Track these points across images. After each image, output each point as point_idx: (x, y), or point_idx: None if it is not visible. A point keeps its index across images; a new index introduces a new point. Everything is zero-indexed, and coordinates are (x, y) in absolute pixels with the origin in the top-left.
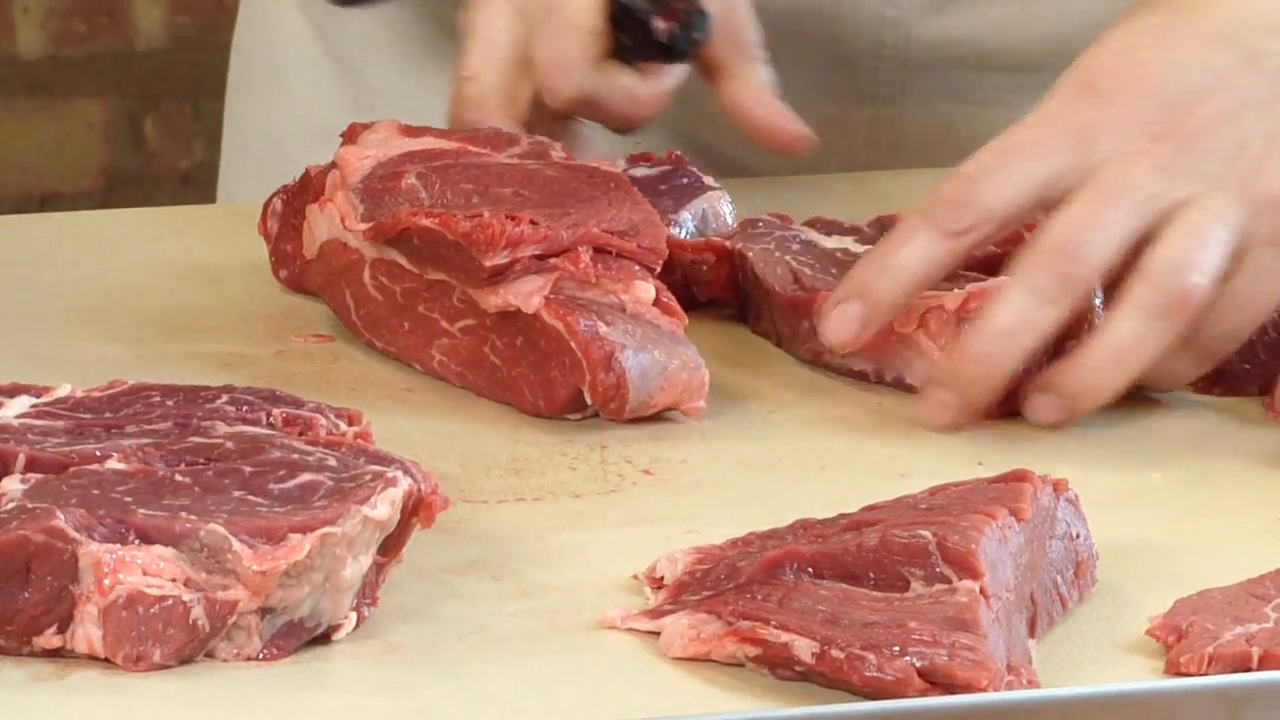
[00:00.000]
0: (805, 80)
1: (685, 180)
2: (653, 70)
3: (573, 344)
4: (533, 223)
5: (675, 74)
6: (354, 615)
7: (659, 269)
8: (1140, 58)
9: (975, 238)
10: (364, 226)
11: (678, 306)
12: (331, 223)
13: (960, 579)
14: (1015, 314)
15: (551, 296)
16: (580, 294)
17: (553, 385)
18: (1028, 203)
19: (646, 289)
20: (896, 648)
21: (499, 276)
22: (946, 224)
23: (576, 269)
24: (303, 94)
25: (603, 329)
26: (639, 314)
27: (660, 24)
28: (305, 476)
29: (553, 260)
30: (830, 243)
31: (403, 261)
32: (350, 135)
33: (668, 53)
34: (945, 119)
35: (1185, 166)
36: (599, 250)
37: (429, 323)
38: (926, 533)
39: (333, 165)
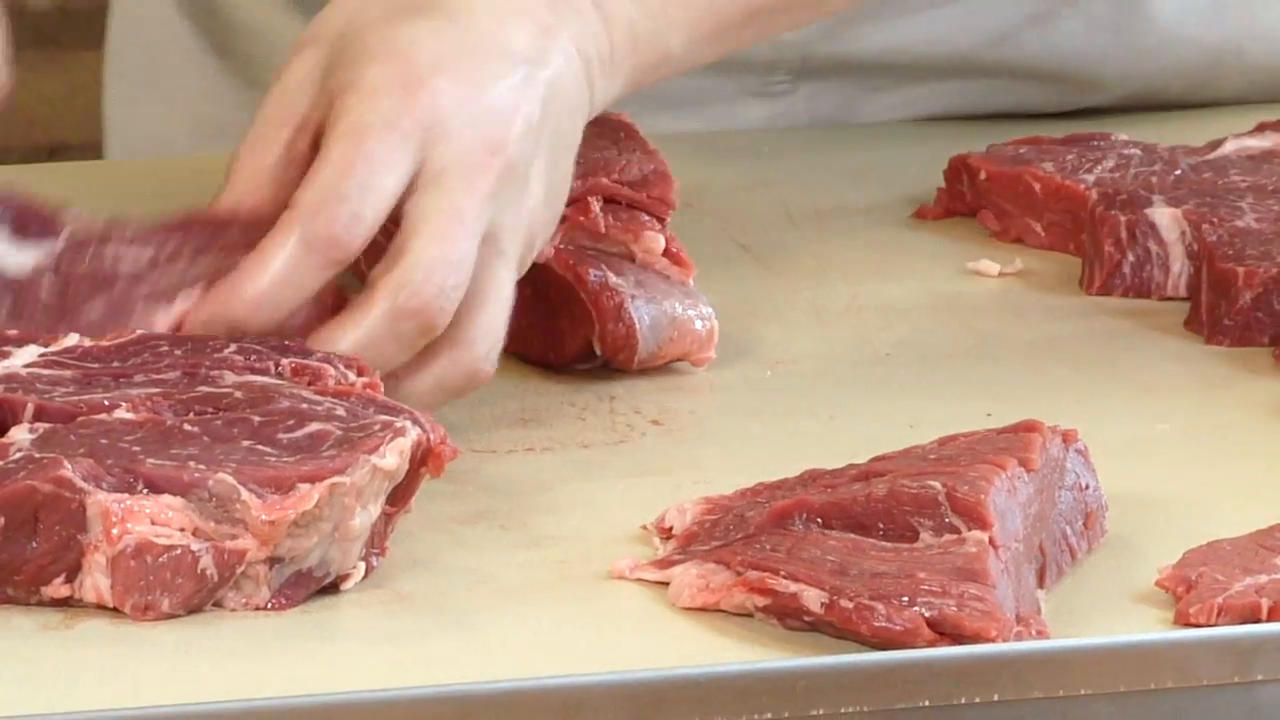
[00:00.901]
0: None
1: None
2: None
3: (582, 294)
4: None
5: None
6: (362, 565)
7: (669, 219)
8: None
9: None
10: None
11: (686, 257)
12: None
13: (969, 529)
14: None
15: (561, 247)
16: (590, 245)
17: (562, 336)
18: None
19: (656, 239)
20: (905, 598)
21: None
22: (330, 254)
23: (587, 219)
24: (190, 93)
25: (612, 279)
26: (649, 264)
27: None
28: (314, 426)
29: (563, 211)
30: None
31: None
32: None
33: None
34: (840, 101)
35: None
36: (609, 201)
37: None
38: (936, 483)
39: None
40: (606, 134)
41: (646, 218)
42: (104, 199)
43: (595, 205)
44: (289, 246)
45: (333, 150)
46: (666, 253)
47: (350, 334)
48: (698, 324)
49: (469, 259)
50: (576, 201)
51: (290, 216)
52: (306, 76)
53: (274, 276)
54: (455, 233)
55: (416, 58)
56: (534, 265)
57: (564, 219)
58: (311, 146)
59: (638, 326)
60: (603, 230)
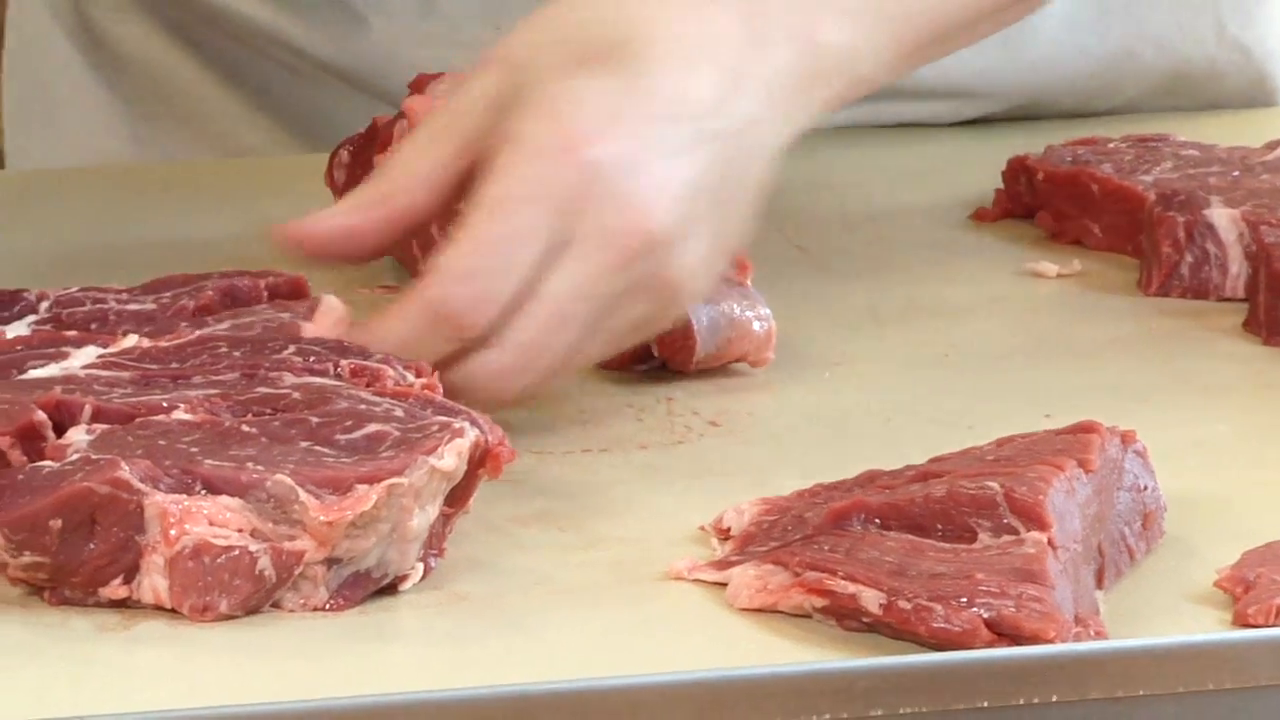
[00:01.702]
0: None
1: None
2: None
3: None
4: None
5: None
6: (420, 566)
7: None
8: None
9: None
10: None
11: (744, 258)
12: None
13: (1028, 530)
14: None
15: None
16: None
17: None
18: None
19: None
20: (964, 599)
21: None
22: (456, 334)
23: None
24: (82, 129)
25: None
26: None
27: None
28: (372, 427)
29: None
30: None
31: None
32: (418, 85)
33: None
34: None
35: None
36: None
37: None
38: (994, 484)
39: (400, 116)
40: None
41: None
42: (162, 201)
43: None
44: (416, 317)
45: (476, 221)
46: None
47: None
48: (756, 325)
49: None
50: None
51: (424, 286)
52: (482, 97)
53: (398, 343)
54: (569, 315)
55: (580, 121)
56: None
57: None
58: (469, 169)
59: (695, 327)
60: None
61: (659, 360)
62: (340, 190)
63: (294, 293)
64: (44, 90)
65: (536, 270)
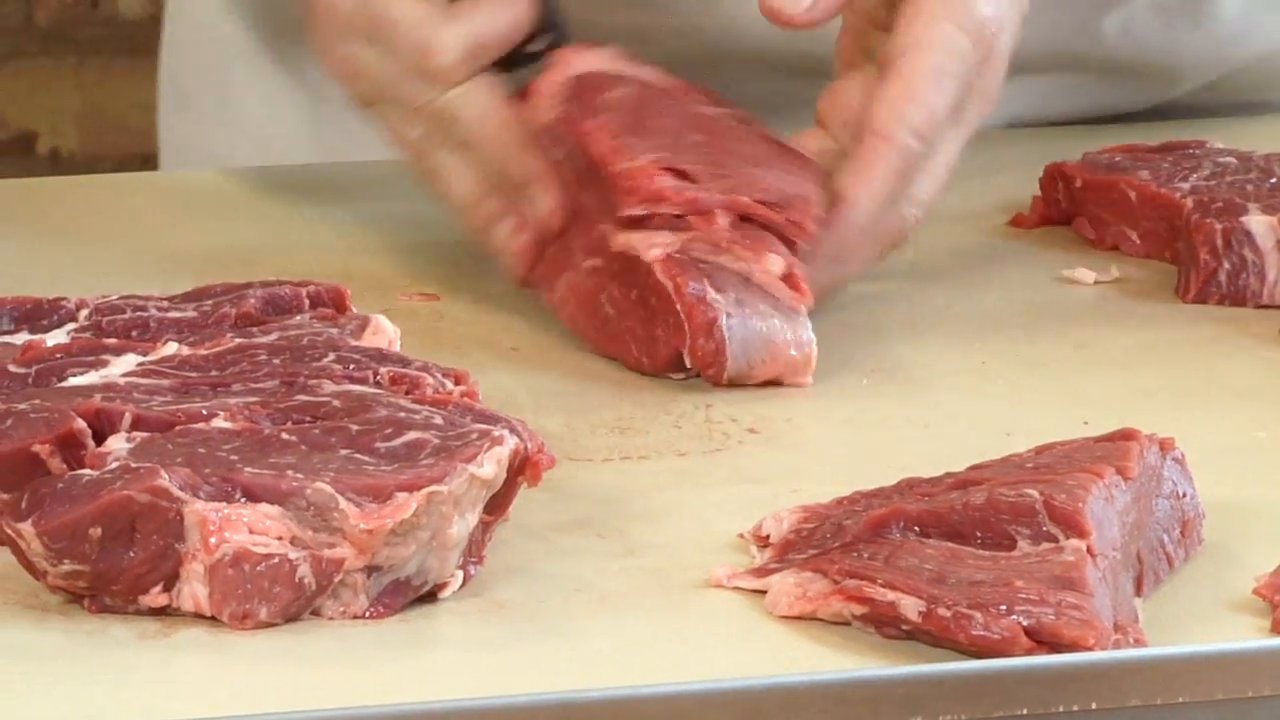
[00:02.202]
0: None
1: None
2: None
3: (678, 305)
4: (682, 176)
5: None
6: (460, 573)
7: (801, 244)
8: None
9: None
10: (549, 117)
11: (804, 285)
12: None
13: (1067, 538)
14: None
15: (673, 254)
16: (709, 257)
17: (656, 343)
18: None
19: (776, 262)
20: (1003, 606)
21: (635, 224)
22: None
23: (710, 231)
24: (256, 113)
25: (710, 294)
26: (764, 285)
27: None
28: (412, 435)
29: (690, 218)
30: None
31: (568, 171)
32: (554, 60)
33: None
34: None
35: None
36: (745, 218)
37: (566, 253)
38: (1033, 491)
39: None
40: (777, 155)
41: (775, 240)
42: (200, 208)
43: (722, 219)
44: (891, 168)
45: (924, 91)
46: (786, 277)
47: (881, 175)
48: (792, 350)
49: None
50: (705, 213)
51: (889, 137)
52: None
53: (881, 196)
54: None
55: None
56: (641, 269)
57: (687, 226)
58: None
59: (727, 344)
60: (724, 245)
61: (693, 370)
62: None
63: (334, 301)
64: (207, 71)
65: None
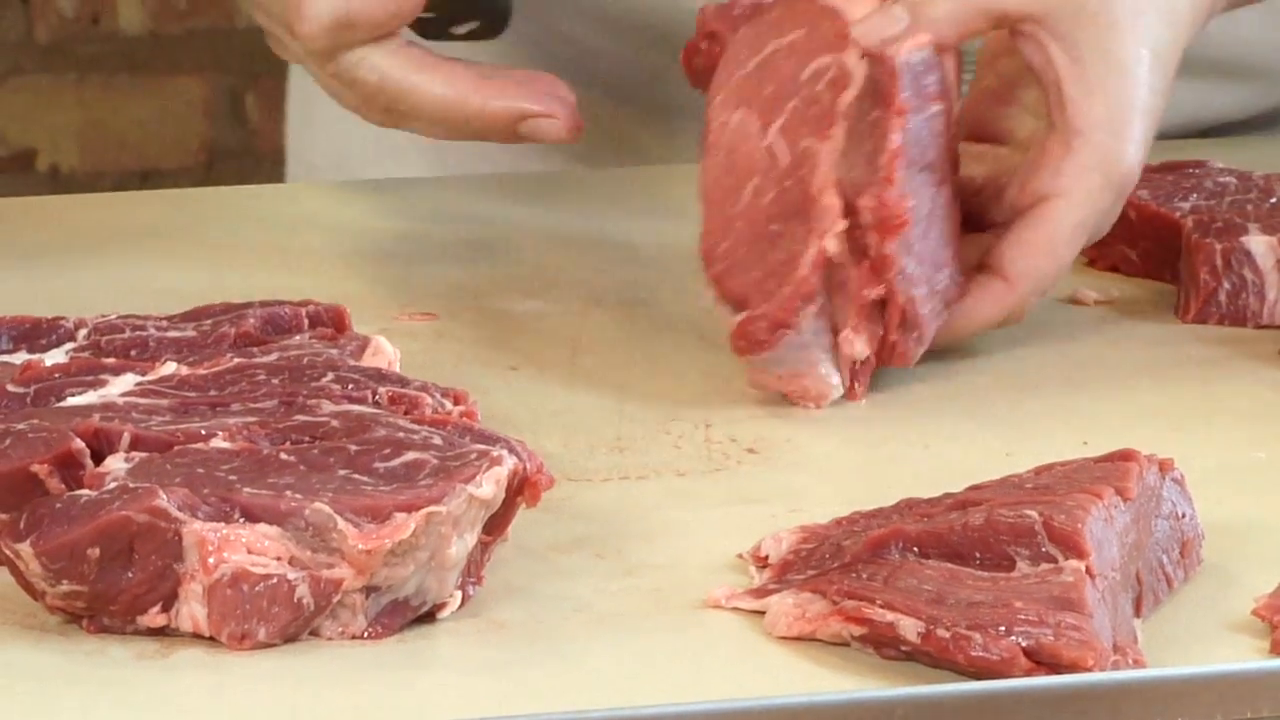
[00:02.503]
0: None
1: None
2: None
3: (801, 270)
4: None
5: None
6: (459, 593)
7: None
8: None
9: None
10: None
11: (862, 386)
12: None
13: (1066, 558)
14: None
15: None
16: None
17: (765, 286)
18: None
19: (860, 345)
20: (1002, 627)
21: None
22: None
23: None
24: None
25: (810, 300)
26: (839, 341)
27: None
28: (410, 455)
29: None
30: None
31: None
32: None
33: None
34: None
35: None
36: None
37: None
38: (1032, 512)
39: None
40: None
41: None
42: (198, 226)
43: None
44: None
45: (1057, 243)
46: (854, 367)
47: (995, 314)
48: (814, 381)
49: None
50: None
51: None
52: None
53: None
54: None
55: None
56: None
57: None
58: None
59: (768, 344)
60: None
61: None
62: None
63: (334, 321)
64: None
65: None
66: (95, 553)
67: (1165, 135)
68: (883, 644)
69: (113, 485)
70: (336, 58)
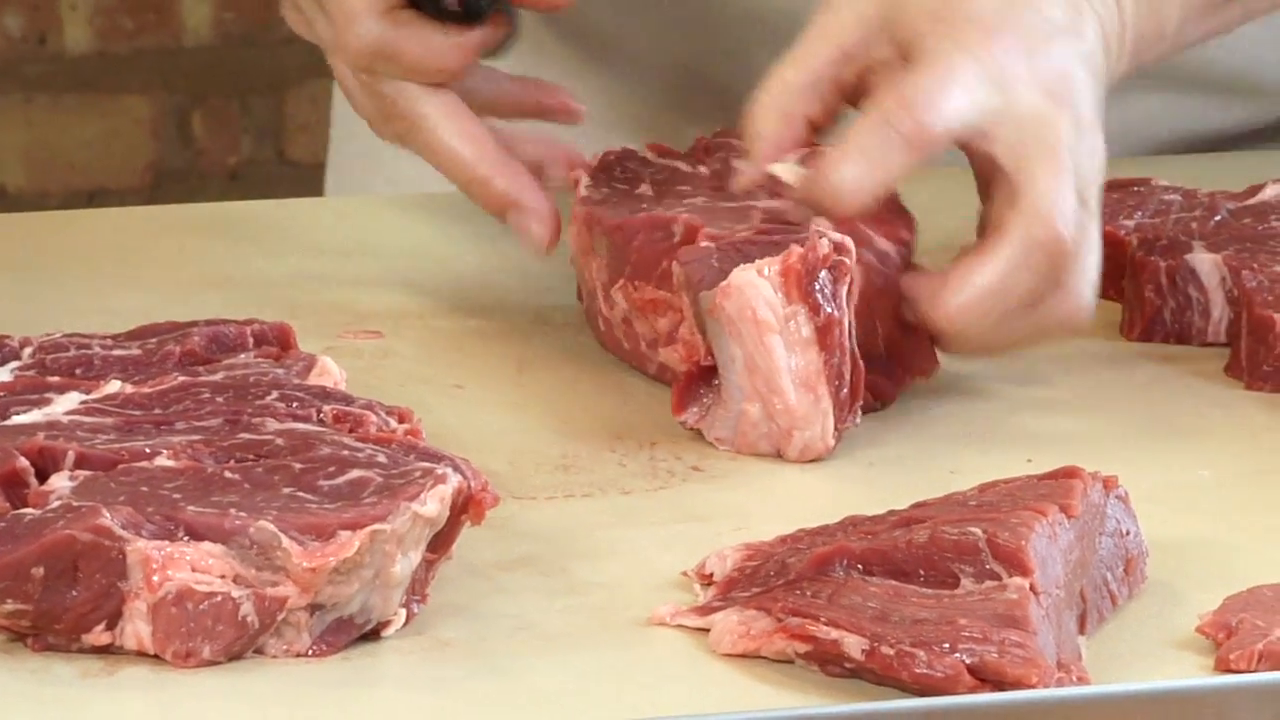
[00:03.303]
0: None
1: None
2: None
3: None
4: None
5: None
6: (403, 612)
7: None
8: None
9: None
10: None
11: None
12: None
13: (1010, 576)
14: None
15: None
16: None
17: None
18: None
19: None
20: (946, 644)
21: None
22: (917, 144)
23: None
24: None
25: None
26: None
27: None
28: (355, 473)
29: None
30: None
31: None
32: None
33: (463, 15)
34: None
35: None
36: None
37: None
38: (976, 529)
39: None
40: None
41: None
42: (144, 246)
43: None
44: (879, 132)
45: (920, 63)
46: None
47: (990, 267)
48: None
49: (1074, 195)
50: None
51: (881, 108)
52: (862, 14)
53: (864, 159)
54: (1061, 168)
55: (981, 18)
56: None
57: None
58: (850, 78)
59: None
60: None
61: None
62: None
63: (279, 339)
64: None
65: (967, 129)
66: (40, 571)
67: (1163, 150)
68: (827, 661)
69: (57, 504)
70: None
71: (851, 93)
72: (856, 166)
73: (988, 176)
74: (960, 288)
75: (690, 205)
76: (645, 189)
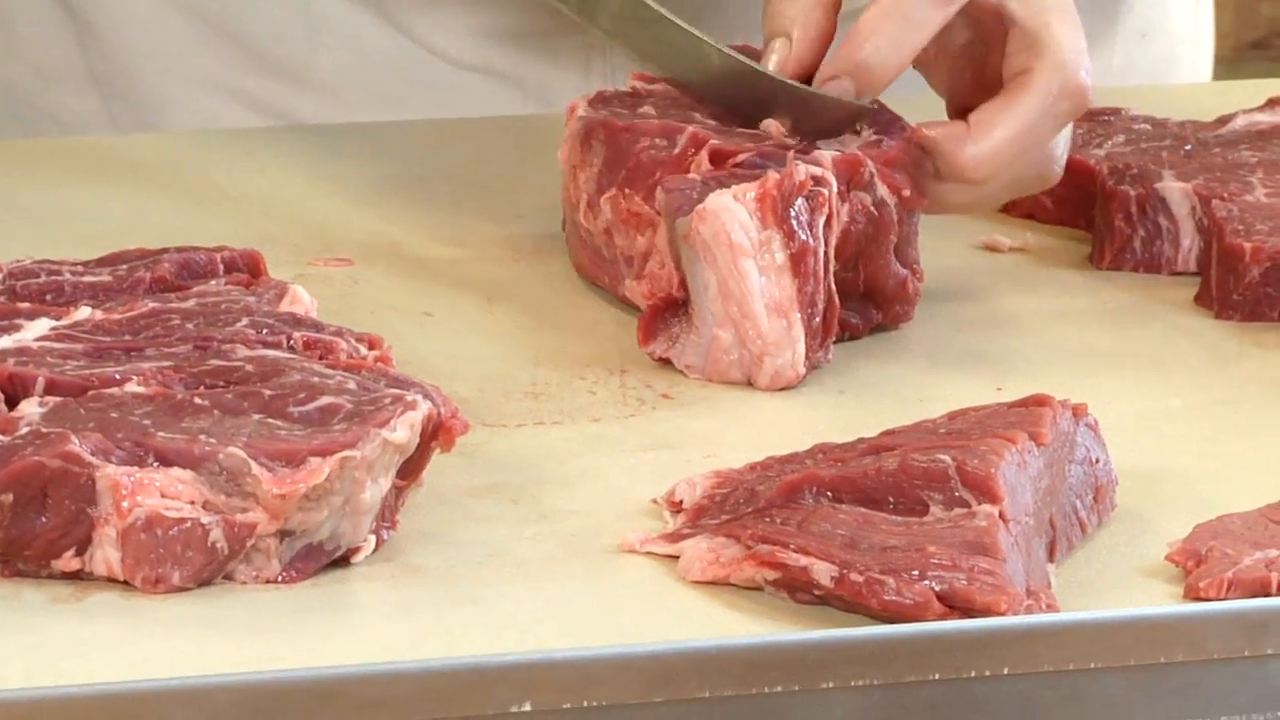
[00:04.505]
0: None
1: None
2: None
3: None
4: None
5: None
6: (373, 538)
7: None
8: None
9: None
10: None
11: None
12: None
13: (979, 503)
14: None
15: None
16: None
17: None
18: None
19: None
20: (915, 571)
21: None
22: None
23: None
24: (32, 39)
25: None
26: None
27: None
28: (325, 400)
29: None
30: None
31: None
32: None
33: None
34: None
35: None
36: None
37: None
38: (946, 457)
39: None
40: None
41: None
42: (109, 174)
43: None
44: None
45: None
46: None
47: (1016, 114)
48: (756, 374)
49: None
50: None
51: None
52: None
53: (898, 16)
54: (1076, 21)
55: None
56: None
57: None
58: None
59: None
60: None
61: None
62: None
63: (249, 266)
64: None
65: None
66: (9, 498)
67: None
68: (796, 588)
69: (26, 430)
70: None
71: None
72: (888, 28)
73: (997, 35)
74: (985, 134)
75: (701, 124)
76: (648, 109)
